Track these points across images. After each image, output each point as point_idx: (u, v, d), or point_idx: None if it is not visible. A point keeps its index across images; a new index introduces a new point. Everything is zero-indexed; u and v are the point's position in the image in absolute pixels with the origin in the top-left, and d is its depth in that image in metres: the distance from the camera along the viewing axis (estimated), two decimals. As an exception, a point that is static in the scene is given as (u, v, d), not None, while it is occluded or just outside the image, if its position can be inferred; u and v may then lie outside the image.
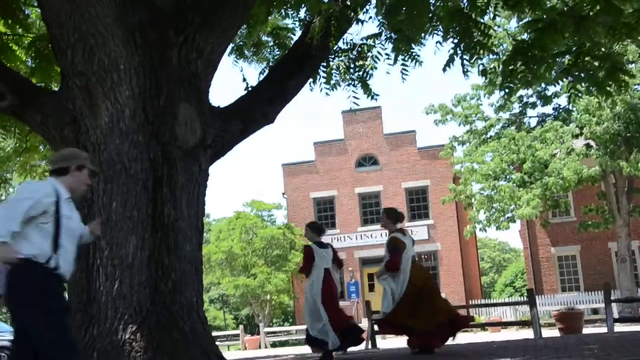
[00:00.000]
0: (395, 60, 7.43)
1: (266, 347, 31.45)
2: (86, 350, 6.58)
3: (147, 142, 7.09)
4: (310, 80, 9.07)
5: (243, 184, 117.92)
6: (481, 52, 7.55)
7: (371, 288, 37.38)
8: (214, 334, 8.92)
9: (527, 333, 19.13)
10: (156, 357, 6.44)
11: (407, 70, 7.91)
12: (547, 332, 18.60)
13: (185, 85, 7.35)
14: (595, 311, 29.37)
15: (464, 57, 7.57)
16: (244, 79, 9.09)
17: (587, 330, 16.99)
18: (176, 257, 7.02)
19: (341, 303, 38.95)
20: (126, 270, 6.80)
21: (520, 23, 15.11)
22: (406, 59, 7.87)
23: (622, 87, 7.90)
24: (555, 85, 27.96)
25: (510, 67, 7.96)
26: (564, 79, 8.29)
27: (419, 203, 37.52)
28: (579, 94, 8.09)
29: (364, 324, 31.16)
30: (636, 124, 24.95)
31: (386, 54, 8.32)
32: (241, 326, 36.07)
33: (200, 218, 7.53)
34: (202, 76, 7.58)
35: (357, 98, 8.86)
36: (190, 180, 7.33)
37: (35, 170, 13.14)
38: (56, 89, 8.81)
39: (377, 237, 37.32)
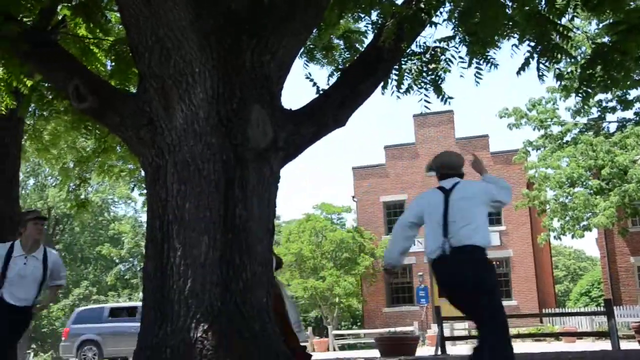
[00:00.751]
0: (470, 63, 7.31)
1: (335, 349, 31.49)
2: (159, 347, 6.73)
3: (220, 143, 7.19)
4: (382, 83, 9.01)
5: (313, 187, 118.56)
6: (559, 55, 7.34)
7: (441, 293, 36.91)
8: (283, 335, 8.88)
9: (604, 344, 18.52)
10: (227, 356, 6.52)
11: (481, 74, 7.77)
12: (625, 345, 17.97)
13: (257, 87, 7.43)
14: (677, 324, 28.14)
15: (540, 60, 7.38)
16: (314, 83, 9.09)
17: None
18: (247, 258, 7.09)
19: (410, 308, 38.37)
20: (198, 269, 6.91)
21: (601, 25, 14.67)
22: (480, 62, 7.74)
23: None
24: (637, 89, 26.97)
25: (589, 72, 7.72)
26: (642, 84, 7.98)
27: (491, 208, 36.83)
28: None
29: (434, 329, 30.82)
30: None
31: (460, 57, 8.20)
32: (310, 328, 36.24)
33: (271, 220, 7.59)
34: (274, 79, 7.65)
35: (429, 102, 8.76)
36: (261, 182, 7.40)
37: (112, 171, 13.53)
38: (134, 91, 9.06)
39: (447, 242, 36.85)
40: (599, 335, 22.04)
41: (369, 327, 35.77)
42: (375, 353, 16.99)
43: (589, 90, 8.06)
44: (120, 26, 10.83)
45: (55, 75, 7.92)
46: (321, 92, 8.83)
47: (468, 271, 5.26)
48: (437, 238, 5.51)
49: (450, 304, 5.69)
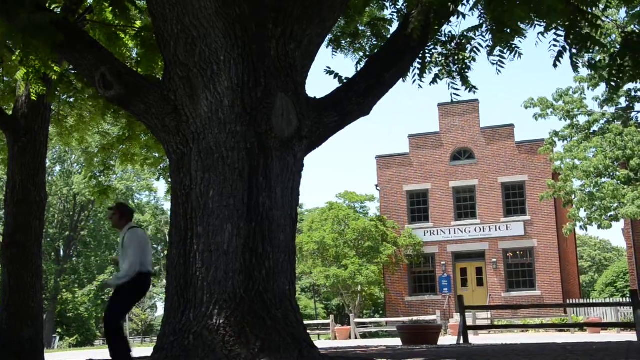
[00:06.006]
0: (492, 51, 7.23)
1: (356, 337, 31.59)
2: (182, 333, 6.79)
3: (245, 132, 7.20)
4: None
5: (337, 175, 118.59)
6: (590, 45, 7.22)
7: (464, 283, 36.87)
8: (305, 322, 8.99)
9: (629, 336, 18.36)
10: (249, 343, 6.56)
11: (503, 63, 7.69)
12: (650, 336, 17.74)
13: (282, 76, 7.42)
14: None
15: (572, 50, 7.26)
16: (335, 75, 9.00)
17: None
18: (270, 246, 7.11)
19: (433, 297, 38.53)
20: (222, 256, 6.94)
21: (631, 13, 14.41)
22: (505, 51, 7.65)
23: None
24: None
25: (618, 62, 7.59)
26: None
27: (515, 198, 36.65)
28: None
29: (456, 318, 30.80)
30: None
31: (487, 46, 8.11)
32: (332, 316, 36.37)
33: (295, 208, 7.60)
34: (299, 67, 7.63)
35: (457, 89, 8.69)
36: (285, 170, 7.40)
37: (137, 158, 13.62)
38: (160, 78, 9.09)
39: (470, 231, 36.75)
40: (624, 326, 21.86)
41: (391, 315, 35.82)
42: (397, 342, 16.98)
43: (618, 81, 7.93)
44: (146, 13, 10.85)
45: (83, 63, 7.96)
46: (345, 81, 8.78)
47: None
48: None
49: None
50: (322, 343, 24.24)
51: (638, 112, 29.58)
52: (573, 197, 28.00)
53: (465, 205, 37.52)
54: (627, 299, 26.92)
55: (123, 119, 12.74)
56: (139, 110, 7.68)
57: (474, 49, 8.37)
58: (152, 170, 15.96)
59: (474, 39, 8.29)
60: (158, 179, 15.87)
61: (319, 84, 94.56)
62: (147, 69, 10.41)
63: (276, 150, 7.30)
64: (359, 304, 38.13)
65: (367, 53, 10.31)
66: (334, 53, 10.43)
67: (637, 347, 10.86)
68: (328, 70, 8.99)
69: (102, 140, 14.16)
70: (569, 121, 29.37)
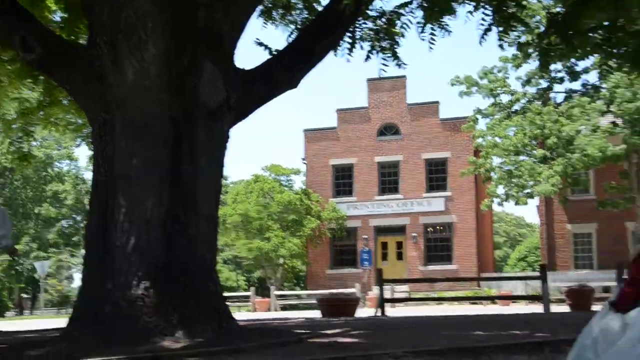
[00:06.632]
0: (423, 29, 7.32)
1: (276, 310, 31.76)
2: (100, 303, 6.66)
3: (171, 100, 7.08)
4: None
5: (263, 148, 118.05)
6: (515, 24, 7.41)
7: (384, 257, 37.52)
8: (225, 294, 8.98)
9: (537, 307, 19.15)
10: (167, 314, 6.51)
11: (434, 40, 7.82)
12: (556, 308, 18.62)
13: (210, 45, 7.30)
14: (606, 289, 29.26)
15: (499, 29, 7.44)
16: (265, 46, 8.88)
17: (596, 307, 16.91)
18: (193, 215, 7.05)
19: (353, 270, 39.02)
20: (143, 225, 6.84)
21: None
22: (435, 28, 7.76)
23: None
24: (585, 60, 27.46)
25: (545, 41, 7.82)
26: (597, 55, 8.12)
27: (437, 174, 37.40)
28: (610, 71, 7.94)
29: (375, 291, 31.37)
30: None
31: (418, 23, 8.19)
32: (252, 288, 36.42)
33: (219, 178, 7.55)
34: (228, 37, 7.52)
35: (386, 65, 8.77)
36: (210, 140, 7.32)
37: (59, 124, 13.17)
38: (84, 44, 8.80)
39: (393, 206, 37.37)
40: (532, 298, 22.78)
41: (312, 288, 36.12)
42: (317, 314, 17.19)
43: (548, 59, 8.17)
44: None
45: (1, 24, 7.63)
46: (274, 53, 8.72)
47: None
48: None
49: None
50: (241, 315, 24.30)
51: (557, 92, 30.66)
52: (492, 174, 28.83)
53: (389, 180, 38.06)
54: (537, 272, 28.02)
55: (42, 84, 12.28)
56: (61, 75, 7.44)
57: (404, 25, 8.45)
58: (73, 137, 15.47)
59: (404, 15, 8.37)
60: (78, 146, 15.42)
61: (248, 55, 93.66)
62: (71, 33, 10.05)
63: (202, 120, 7.21)
64: (280, 276, 38.32)
65: (299, 26, 10.24)
66: (264, 25, 10.29)
67: (541, 319, 11.37)
68: (258, 41, 8.89)
69: (21, 106, 13.63)
70: (492, 99, 30.11)
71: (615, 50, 7.85)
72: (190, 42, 7.17)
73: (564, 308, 18.12)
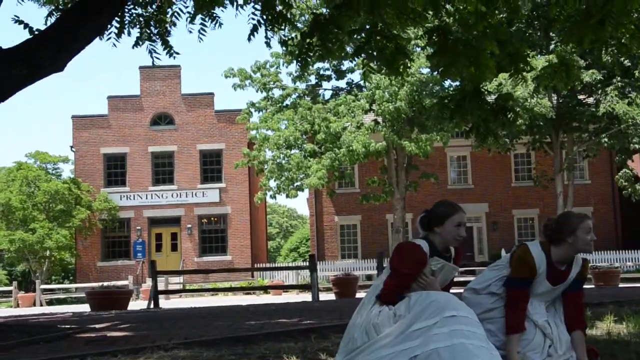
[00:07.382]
0: (193, 18, 7.36)
1: (42, 304, 30.12)
2: None
3: None
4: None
5: (27, 134, 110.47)
6: (282, 23, 7.68)
7: (158, 248, 36.99)
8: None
9: (307, 296, 20.07)
10: None
11: (205, 31, 7.88)
12: (324, 296, 19.67)
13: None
14: (369, 277, 31.41)
15: (267, 27, 7.67)
16: (25, 25, 8.30)
17: (360, 294, 18.15)
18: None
19: (126, 262, 38.13)
20: None
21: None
22: (206, 19, 7.82)
23: (403, 69, 8.35)
24: (351, 61, 29.18)
25: (308, 41, 8.18)
26: (358, 57, 8.66)
27: (212, 166, 37.57)
28: (372, 72, 8.49)
29: (148, 283, 30.85)
30: (419, 105, 26.85)
31: (188, 12, 8.19)
32: (15, 282, 34.22)
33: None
34: (-17, 12, 6.99)
35: (158, 53, 8.66)
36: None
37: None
38: None
39: (167, 197, 36.98)
40: (302, 288, 23.84)
41: (82, 281, 34.68)
42: (86, 308, 16.57)
43: (308, 59, 8.54)
44: None
45: None
46: (36, 32, 8.22)
47: None
48: None
49: None
50: (2, 311, 22.68)
51: (325, 89, 32.20)
52: (265, 167, 29.58)
53: (163, 170, 37.50)
54: (307, 263, 29.34)
55: None
56: None
57: (175, 14, 8.41)
58: None
59: (175, 4, 8.34)
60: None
61: (6, 33, 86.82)
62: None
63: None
64: (46, 269, 36.29)
65: (61, 6, 9.71)
66: (21, 1, 9.59)
67: (309, 307, 11.98)
68: (17, 19, 8.32)
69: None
70: (265, 93, 30.86)
71: (374, 53, 8.40)
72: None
73: (332, 296, 19.18)
